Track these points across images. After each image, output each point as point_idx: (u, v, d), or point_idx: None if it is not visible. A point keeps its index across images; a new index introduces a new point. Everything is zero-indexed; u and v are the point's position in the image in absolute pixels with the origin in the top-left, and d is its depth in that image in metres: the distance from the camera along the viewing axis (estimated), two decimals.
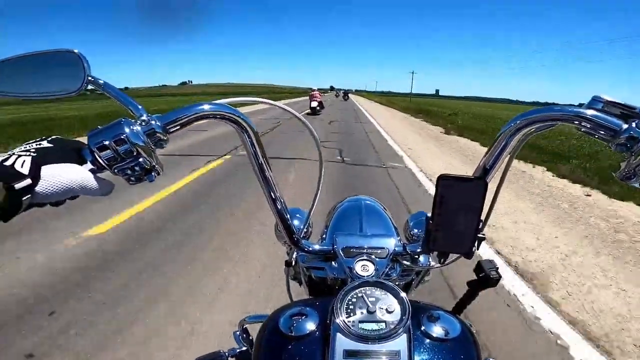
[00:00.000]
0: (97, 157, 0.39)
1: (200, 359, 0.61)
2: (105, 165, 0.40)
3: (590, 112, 0.41)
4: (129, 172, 0.41)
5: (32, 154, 0.36)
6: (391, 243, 0.62)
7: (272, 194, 0.57)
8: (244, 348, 0.65)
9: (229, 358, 0.63)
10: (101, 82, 0.45)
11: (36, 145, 0.38)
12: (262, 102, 0.56)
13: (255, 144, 0.51)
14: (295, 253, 0.69)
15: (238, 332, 0.67)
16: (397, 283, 0.65)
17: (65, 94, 0.45)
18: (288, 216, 0.60)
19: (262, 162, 0.54)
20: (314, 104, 16.12)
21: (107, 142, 0.39)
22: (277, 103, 0.58)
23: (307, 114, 15.94)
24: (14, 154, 0.36)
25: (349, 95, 44.94)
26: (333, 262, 0.64)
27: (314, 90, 17.33)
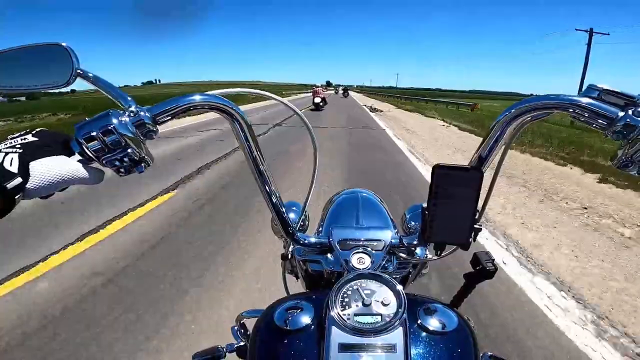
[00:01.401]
0: (84, 148, 0.39)
1: (198, 354, 0.61)
2: (94, 157, 0.40)
3: (585, 100, 0.40)
4: (117, 163, 0.41)
5: (18, 150, 0.36)
6: (387, 235, 0.61)
7: (266, 187, 0.56)
8: (242, 343, 0.64)
9: (227, 353, 0.63)
10: (90, 75, 0.45)
11: (21, 140, 0.38)
12: (255, 94, 0.55)
13: (249, 136, 0.51)
14: (291, 246, 0.69)
15: (236, 327, 0.67)
16: (394, 276, 0.64)
17: (53, 87, 0.45)
18: (283, 209, 0.60)
19: (257, 155, 0.53)
20: (318, 99, 16.26)
21: (94, 133, 0.39)
22: (270, 94, 0.57)
23: (311, 109, 16.06)
24: (0, 151, 0.36)
25: (349, 92, 42.28)
26: (329, 255, 0.63)
27: (317, 87, 17.43)
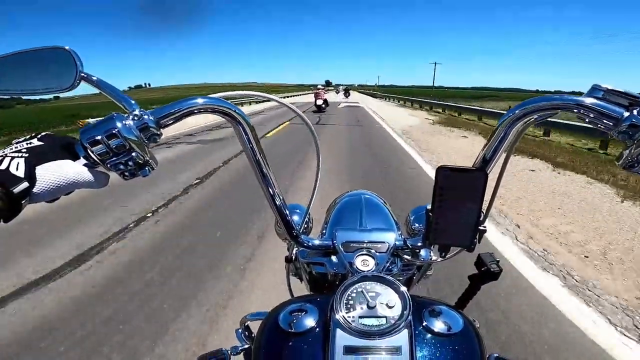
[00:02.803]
0: (89, 152, 0.39)
1: (202, 357, 0.61)
2: (98, 160, 0.40)
3: (590, 101, 0.40)
4: (122, 167, 0.41)
5: (24, 154, 0.36)
6: (391, 237, 0.61)
7: (270, 190, 0.56)
8: (247, 345, 0.64)
9: (232, 356, 0.63)
10: (95, 78, 0.46)
11: (27, 144, 0.38)
12: (258, 97, 0.55)
13: (252, 139, 0.51)
14: (295, 249, 0.69)
15: (240, 330, 0.66)
16: (398, 278, 0.64)
17: (58, 90, 0.45)
18: (287, 212, 0.60)
19: (260, 158, 0.53)
20: (319, 101, 16.25)
21: (99, 137, 0.39)
22: (273, 97, 0.57)
23: (313, 111, 16.00)
24: (6, 155, 0.36)
25: (350, 92, 38.92)
26: (333, 258, 0.63)
27: (318, 89, 17.37)
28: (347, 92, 36.64)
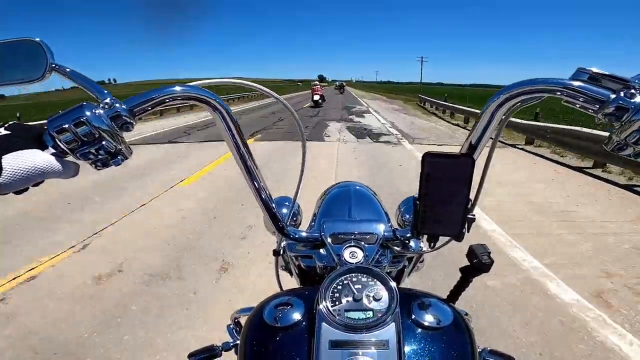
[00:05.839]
0: (57, 141, 0.38)
1: (194, 353, 0.60)
2: (67, 149, 0.39)
3: (575, 84, 0.40)
4: (92, 156, 0.40)
5: None
6: (380, 228, 0.60)
7: (255, 183, 0.55)
8: (237, 341, 0.64)
9: (223, 352, 0.62)
10: (68, 69, 0.45)
11: None
12: (238, 84, 0.54)
13: (233, 130, 0.49)
14: (284, 242, 0.68)
15: (231, 326, 0.66)
16: (388, 270, 0.63)
17: (28, 81, 0.44)
18: (273, 205, 0.59)
19: (243, 150, 0.52)
20: (316, 97, 16.91)
21: (66, 126, 0.38)
22: (254, 85, 0.56)
23: (310, 106, 16.73)
24: None
25: (345, 88, 38.30)
26: (321, 250, 0.62)
27: (316, 85, 17.94)
28: (341, 88, 36.41)
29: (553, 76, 0.41)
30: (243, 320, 0.65)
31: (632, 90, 0.37)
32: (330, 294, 0.44)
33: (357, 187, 0.86)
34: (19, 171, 0.35)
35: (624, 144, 0.39)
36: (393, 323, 0.41)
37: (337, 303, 0.43)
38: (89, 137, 0.39)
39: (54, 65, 0.43)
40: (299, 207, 0.73)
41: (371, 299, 0.44)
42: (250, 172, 0.54)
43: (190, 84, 0.46)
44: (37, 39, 0.44)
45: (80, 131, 0.38)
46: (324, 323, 0.41)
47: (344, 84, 41.55)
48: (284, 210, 0.67)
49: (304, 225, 0.76)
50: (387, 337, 0.40)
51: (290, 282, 0.76)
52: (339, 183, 0.91)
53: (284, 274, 0.79)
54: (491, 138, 0.50)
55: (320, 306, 0.43)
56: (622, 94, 0.37)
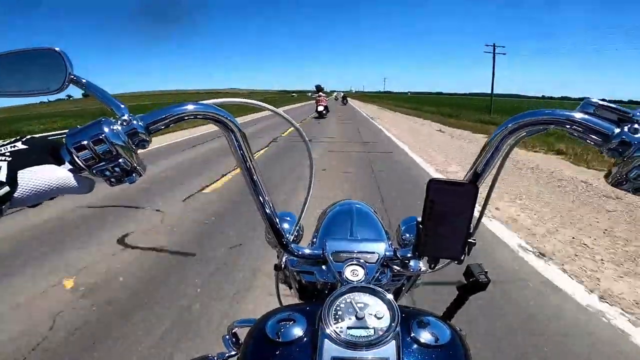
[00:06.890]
0: (75, 157, 0.38)
1: None
2: (84, 166, 0.39)
3: (580, 116, 0.40)
4: (108, 173, 0.40)
5: (7, 158, 0.35)
6: (381, 248, 0.61)
7: (260, 197, 0.56)
8: (233, 352, 0.64)
9: None
10: (84, 81, 0.44)
11: (10, 147, 0.37)
12: (251, 105, 0.55)
13: (243, 146, 0.50)
14: (285, 257, 0.68)
15: (227, 337, 0.66)
16: (387, 288, 0.64)
17: (46, 93, 0.44)
18: (277, 220, 0.59)
19: (250, 165, 0.53)
20: (321, 108, 17.01)
21: (85, 142, 0.38)
22: (266, 105, 0.57)
23: (315, 117, 16.92)
24: None
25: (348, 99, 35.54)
26: (323, 267, 0.63)
27: (320, 96, 18.08)
28: (344, 99, 34.59)
29: None
30: (240, 331, 0.65)
31: (636, 125, 0.37)
32: (334, 312, 0.45)
33: (358, 206, 0.87)
34: (34, 187, 0.35)
35: (625, 179, 0.39)
36: (393, 341, 0.42)
37: (339, 320, 0.44)
38: (107, 154, 0.39)
39: (72, 77, 0.43)
40: (301, 224, 0.73)
41: (373, 317, 0.44)
42: (255, 185, 0.55)
43: (204, 102, 0.46)
44: (58, 49, 0.43)
45: (98, 149, 0.38)
46: (326, 340, 0.42)
47: (343, 94, 38.30)
48: (286, 226, 0.68)
49: (305, 242, 0.76)
50: (387, 355, 0.40)
51: (289, 295, 0.77)
52: (340, 201, 0.92)
53: (281, 287, 0.79)
54: (495, 165, 0.51)
55: (324, 323, 0.43)
56: (625, 128, 0.38)
